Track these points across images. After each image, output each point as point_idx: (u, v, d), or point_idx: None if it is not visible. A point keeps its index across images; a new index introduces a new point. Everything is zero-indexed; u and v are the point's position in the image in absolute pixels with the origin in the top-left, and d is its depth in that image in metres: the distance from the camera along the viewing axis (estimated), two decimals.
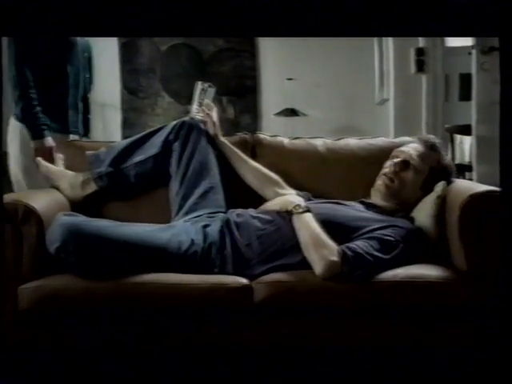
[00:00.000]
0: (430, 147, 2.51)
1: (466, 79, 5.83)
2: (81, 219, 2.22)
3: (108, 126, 6.08)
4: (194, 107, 2.67)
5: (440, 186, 2.35)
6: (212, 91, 2.68)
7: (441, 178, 2.41)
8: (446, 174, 2.47)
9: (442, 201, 2.31)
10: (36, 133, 3.24)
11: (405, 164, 2.48)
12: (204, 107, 2.65)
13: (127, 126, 6.48)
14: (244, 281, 2.15)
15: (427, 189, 2.41)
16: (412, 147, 2.53)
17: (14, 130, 3.32)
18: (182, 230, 2.32)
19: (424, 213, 2.35)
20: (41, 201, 2.33)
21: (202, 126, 2.64)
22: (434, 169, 2.47)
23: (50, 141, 3.24)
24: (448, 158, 2.58)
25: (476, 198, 2.13)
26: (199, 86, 2.67)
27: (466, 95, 5.97)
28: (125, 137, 5.03)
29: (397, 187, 2.47)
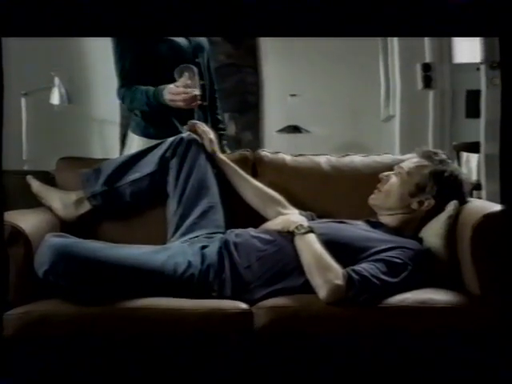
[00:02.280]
0: (426, 156, 2.46)
1: (473, 96, 5.80)
2: (71, 240, 2.16)
3: (106, 142, 6.04)
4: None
5: (451, 206, 2.30)
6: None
7: (441, 186, 2.36)
8: (447, 182, 2.38)
9: (454, 221, 2.26)
10: (156, 95, 2.81)
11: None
12: (199, 125, 2.62)
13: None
14: (243, 305, 2.09)
15: (419, 193, 2.36)
16: (408, 159, 2.51)
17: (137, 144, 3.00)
18: (179, 251, 2.27)
19: (434, 233, 2.29)
20: (29, 221, 2.29)
21: (199, 140, 2.59)
22: (432, 175, 2.38)
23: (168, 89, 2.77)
24: (459, 170, 2.52)
25: (490, 218, 2.08)
26: None
27: (472, 112, 5.94)
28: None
29: (382, 196, 2.44)
